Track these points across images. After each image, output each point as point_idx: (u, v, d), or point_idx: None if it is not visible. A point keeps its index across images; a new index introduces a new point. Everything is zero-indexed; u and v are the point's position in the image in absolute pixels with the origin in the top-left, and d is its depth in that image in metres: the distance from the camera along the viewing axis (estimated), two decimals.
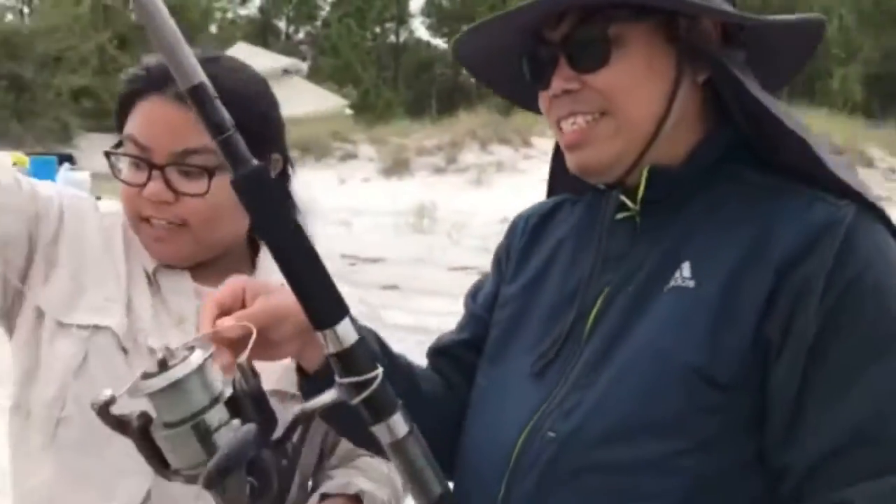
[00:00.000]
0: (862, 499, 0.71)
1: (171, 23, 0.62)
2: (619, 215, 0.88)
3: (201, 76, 0.63)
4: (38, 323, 1.05)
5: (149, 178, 1.02)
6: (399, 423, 0.70)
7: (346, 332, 0.68)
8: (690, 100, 0.85)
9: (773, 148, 0.84)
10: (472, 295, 1.04)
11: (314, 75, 23.20)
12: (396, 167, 16.59)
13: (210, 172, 1.02)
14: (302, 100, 9.32)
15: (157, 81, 1.02)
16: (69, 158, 11.49)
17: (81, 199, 1.12)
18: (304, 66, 8.89)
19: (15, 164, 10.63)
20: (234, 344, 0.72)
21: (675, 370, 0.77)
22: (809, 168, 0.81)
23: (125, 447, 0.77)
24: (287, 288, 0.69)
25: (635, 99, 0.83)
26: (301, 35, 44.89)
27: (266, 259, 1.13)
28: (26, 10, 31.75)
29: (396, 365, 0.88)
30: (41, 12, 27.50)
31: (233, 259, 1.11)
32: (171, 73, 0.63)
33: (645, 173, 0.85)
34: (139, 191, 1.03)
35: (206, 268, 1.09)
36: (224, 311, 0.75)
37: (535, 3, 0.81)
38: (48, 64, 23.63)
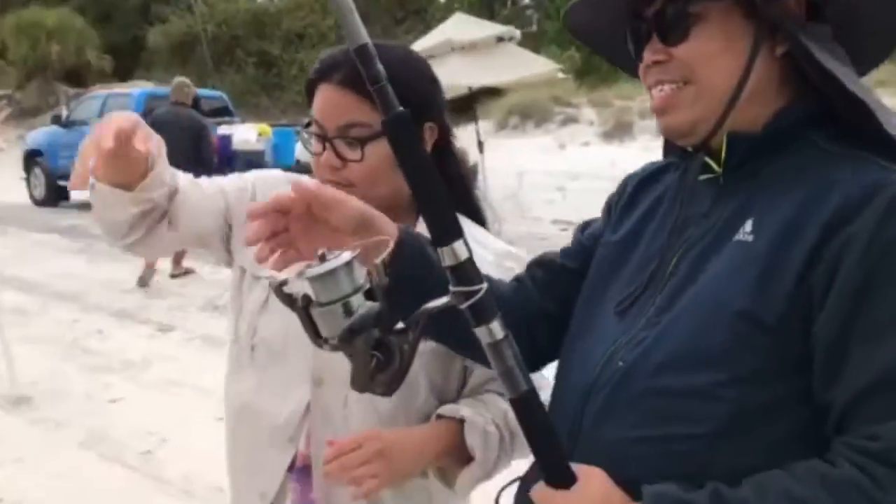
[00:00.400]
0: (889, 434, 0.79)
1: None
2: (703, 177, 0.99)
3: (365, 38, 0.78)
4: (242, 277, 1.36)
5: (324, 149, 1.26)
6: (497, 328, 0.82)
7: (460, 250, 0.81)
8: (768, 71, 0.94)
9: (847, 118, 0.91)
10: (582, 229, 1.18)
11: (538, 39, 23.16)
12: (618, 131, 16.21)
13: (363, 142, 1.23)
14: (515, 65, 9.30)
15: (327, 71, 1.26)
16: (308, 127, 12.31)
17: (274, 175, 1.42)
18: (518, 33, 8.90)
19: (260, 134, 11.62)
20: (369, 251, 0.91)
21: (726, 313, 0.87)
22: (874, 135, 0.88)
23: (295, 369, 1.23)
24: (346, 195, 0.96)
25: (713, 69, 0.93)
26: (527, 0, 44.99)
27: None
28: None
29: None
30: None
31: (398, 213, 1.25)
32: (344, 34, 0.79)
33: (725, 138, 0.95)
34: (316, 159, 1.28)
35: None
36: (283, 205, 0.94)
37: None
38: (293, 41, 25.30)
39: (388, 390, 0.86)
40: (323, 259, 0.86)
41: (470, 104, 16.66)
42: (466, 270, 0.82)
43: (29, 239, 10.10)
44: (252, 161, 10.32)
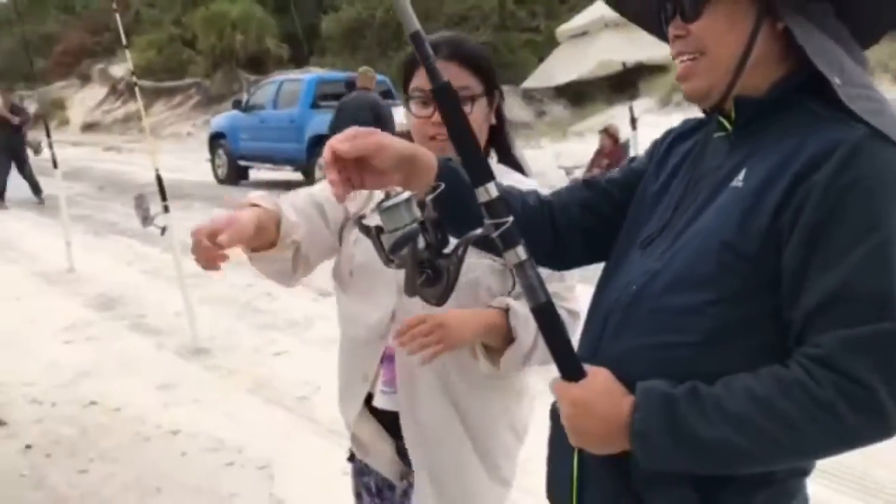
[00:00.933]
0: (830, 343, 0.97)
1: None
2: (717, 134, 1.17)
3: (417, 26, 1.03)
4: (344, 226, 1.68)
5: (434, 110, 1.55)
6: (522, 252, 1.02)
7: (492, 190, 1.02)
8: (769, 44, 1.09)
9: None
10: (630, 161, 1.37)
11: None
12: None
13: (472, 100, 1.61)
14: None
15: (433, 50, 1.52)
16: None
17: None
18: None
19: None
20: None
21: (714, 244, 1.05)
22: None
23: (382, 284, 1.58)
24: (386, 135, 1.13)
25: (721, 43, 1.09)
26: None
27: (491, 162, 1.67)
28: None
29: (525, 211, 1.26)
30: None
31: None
32: (401, 21, 1.08)
33: (733, 101, 1.12)
34: (426, 120, 1.61)
35: None
36: (338, 157, 1.10)
37: None
38: (457, 23, 25.64)
39: (439, 301, 1.10)
40: (388, 197, 1.10)
41: (628, 81, 16.36)
42: (497, 206, 1.02)
43: (211, 213, 11.06)
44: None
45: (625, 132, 9.97)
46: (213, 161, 14.96)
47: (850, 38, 1.10)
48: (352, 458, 1.84)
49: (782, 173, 1.02)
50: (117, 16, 6.02)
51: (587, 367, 1.07)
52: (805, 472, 1.12)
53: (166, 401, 4.34)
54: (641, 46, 9.06)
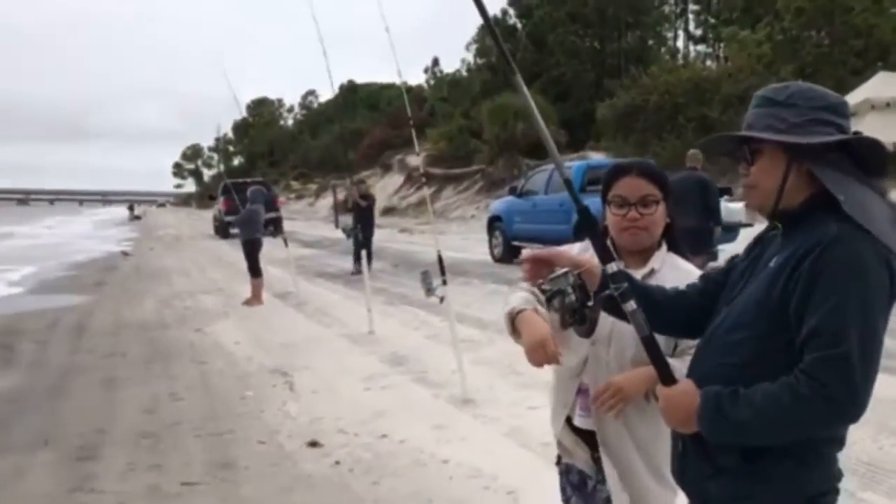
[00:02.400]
0: (809, 360, 1.58)
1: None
2: (772, 233, 1.83)
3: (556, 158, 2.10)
4: None
5: (627, 212, 2.30)
6: (631, 304, 1.75)
7: (611, 268, 1.78)
8: (798, 178, 1.71)
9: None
10: (727, 266, 1.99)
11: None
12: None
13: (657, 202, 2.31)
14: None
15: (626, 169, 2.37)
16: (728, 191, 12.75)
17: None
18: None
19: None
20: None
21: (752, 304, 1.72)
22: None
23: (577, 339, 2.16)
24: (565, 250, 1.96)
25: (765, 182, 1.75)
26: None
27: (662, 251, 2.38)
28: (711, 57, 35.00)
29: (642, 288, 1.94)
30: (727, 56, 29.54)
31: (653, 248, 2.36)
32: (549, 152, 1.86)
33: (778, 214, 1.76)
34: (622, 217, 2.31)
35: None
36: (539, 259, 1.98)
37: (724, 136, 1.88)
38: (732, 103, 25.24)
39: (585, 335, 1.90)
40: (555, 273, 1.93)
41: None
42: (617, 276, 1.78)
43: (486, 289, 12.29)
44: None
45: None
46: (490, 241, 16.42)
47: (859, 172, 1.69)
48: (558, 461, 2.60)
49: (793, 257, 1.65)
50: (411, 122, 7.46)
51: (680, 377, 1.80)
52: (833, 442, 1.71)
53: (439, 437, 5.35)
54: None
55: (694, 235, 8.02)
